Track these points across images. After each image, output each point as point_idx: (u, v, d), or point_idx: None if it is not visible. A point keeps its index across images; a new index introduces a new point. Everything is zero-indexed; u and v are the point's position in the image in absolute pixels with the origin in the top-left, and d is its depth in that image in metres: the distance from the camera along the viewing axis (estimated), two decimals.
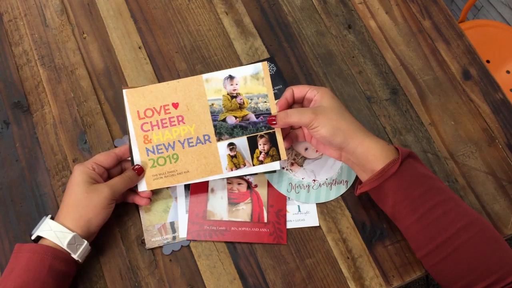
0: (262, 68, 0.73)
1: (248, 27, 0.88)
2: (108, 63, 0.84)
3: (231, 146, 0.72)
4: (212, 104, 0.72)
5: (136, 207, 0.74)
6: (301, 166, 0.78)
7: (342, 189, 0.77)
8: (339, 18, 0.90)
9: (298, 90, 0.70)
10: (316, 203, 0.76)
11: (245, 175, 0.74)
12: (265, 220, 0.75)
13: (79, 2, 0.89)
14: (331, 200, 0.76)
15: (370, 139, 0.66)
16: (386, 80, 0.85)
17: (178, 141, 0.72)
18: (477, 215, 0.63)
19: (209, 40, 0.87)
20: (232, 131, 0.72)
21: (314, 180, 0.77)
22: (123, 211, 0.74)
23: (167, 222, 0.74)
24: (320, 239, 0.74)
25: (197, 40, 0.87)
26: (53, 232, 0.64)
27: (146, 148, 0.72)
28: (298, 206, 0.76)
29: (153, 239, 0.73)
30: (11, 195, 0.75)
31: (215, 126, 0.72)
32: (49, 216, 0.67)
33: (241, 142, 0.73)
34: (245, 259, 0.73)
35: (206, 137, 0.72)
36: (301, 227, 0.75)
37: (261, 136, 0.72)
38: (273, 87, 0.82)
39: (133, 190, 0.72)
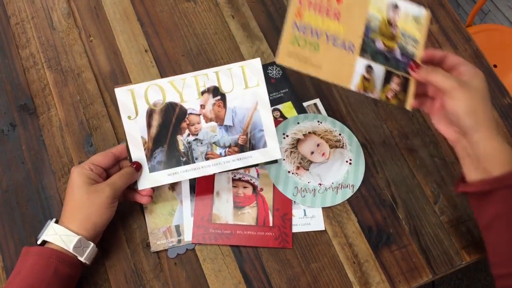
0: (425, 16, 0.71)
1: (254, 31, 0.88)
2: (115, 66, 0.85)
3: (369, 68, 0.68)
4: (370, 20, 0.68)
5: (141, 210, 0.74)
6: (307, 170, 0.78)
7: (348, 193, 0.76)
8: None
9: (452, 59, 0.65)
10: (322, 207, 0.75)
11: (247, 167, 0.72)
12: (271, 224, 0.74)
13: (86, 5, 0.89)
14: (337, 204, 0.76)
15: (501, 139, 0.61)
16: None
17: (326, 33, 0.67)
18: None
19: (215, 43, 0.87)
20: (376, 55, 0.69)
21: (320, 184, 0.77)
22: (128, 214, 0.74)
23: (173, 225, 0.73)
24: (326, 243, 0.74)
25: (203, 43, 0.87)
26: (58, 236, 0.63)
27: (294, 21, 0.66)
28: (304, 210, 0.75)
29: (158, 242, 0.72)
30: (16, 197, 0.75)
31: (363, 40, 0.68)
32: (54, 220, 0.66)
33: (379, 70, 0.68)
34: (251, 263, 0.72)
35: (351, 45, 0.68)
36: (307, 231, 0.74)
37: (398, 76, 0.69)
38: (278, 91, 0.82)
39: (134, 188, 0.72)
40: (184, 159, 0.70)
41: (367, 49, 0.68)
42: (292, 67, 0.65)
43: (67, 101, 0.82)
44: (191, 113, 0.71)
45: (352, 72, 0.68)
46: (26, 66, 0.84)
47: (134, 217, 0.74)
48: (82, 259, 0.64)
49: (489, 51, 0.91)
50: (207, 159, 0.71)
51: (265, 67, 0.85)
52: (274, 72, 0.85)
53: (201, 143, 0.70)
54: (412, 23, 0.70)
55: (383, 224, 0.75)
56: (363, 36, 0.68)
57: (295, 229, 0.74)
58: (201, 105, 0.70)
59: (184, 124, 0.70)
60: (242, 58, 0.86)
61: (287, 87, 0.84)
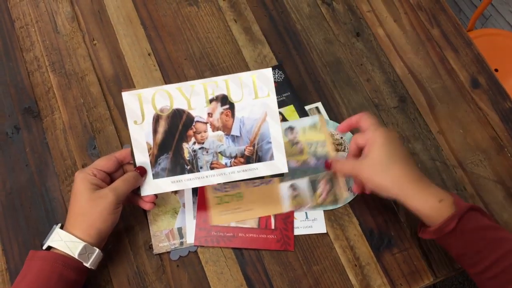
0: (319, 120, 0.79)
1: (256, 35, 0.89)
2: (118, 70, 0.85)
3: (293, 187, 0.76)
4: None
5: (144, 212, 0.75)
6: None
7: (350, 196, 0.77)
8: (347, 26, 0.90)
9: (363, 125, 0.68)
10: (324, 210, 0.76)
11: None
12: (273, 227, 0.75)
13: (90, 9, 0.90)
14: (339, 207, 0.76)
15: (419, 196, 0.63)
16: (394, 88, 0.85)
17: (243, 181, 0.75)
18: None
19: (218, 47, 0.88)
20: (294, 173, 0.76)
21: None
22: (131, 216, 0.75)
23: (175, 228, 0.74)
24: (327, 246, 0.74)
25: (206, 47, 0.88)
26: (64, 242, 0.63)
27: (213, 186, 0.75)
28: (306, 213, 0.76)
29: (160, 245, 0.73)
30: (20, 199, 0.76)
31: None
32: (59, 225, 0.66)
33: (303, 183, 0.76)
34: (252, 266, 0.73)
35: (269, 178, 0.76)
36: (308, 234, 0.75)
37: (322, 178, 0.76)
38: (280, 94, 0.83)
39: (138, 194, 0.71)
40: (189, 167, 0.69)
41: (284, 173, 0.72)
42: (228, 222, 0.74)
43: (71, 104, 0.82)
44: (198, 121, 0.69)
45: (280, 198, 0.75)
46: (30, 69, 0.85)
47: (137, 219, 0.75)
48: (87, 265, 0.64)
49: (490, 55, 0.92)
50: (212, 168, 0.69)
51: None
52: (276, 75, 0.85)
53: (207, 152, 0.69)
54: (311, 131, 0.78)
55: (384, 227, 0.75)
56: None
57: (297, 232, 0.75)
58: (208, 113, 0.69)
59: (190, 132, 0.69)
60: (244, 62, 0.86)
61: (289, 90, 0.84)
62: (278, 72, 0.85)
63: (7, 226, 0.74)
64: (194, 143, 0.69)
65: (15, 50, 0.86)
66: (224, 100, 0.69)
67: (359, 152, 0.69)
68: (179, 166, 0.69)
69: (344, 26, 0.90)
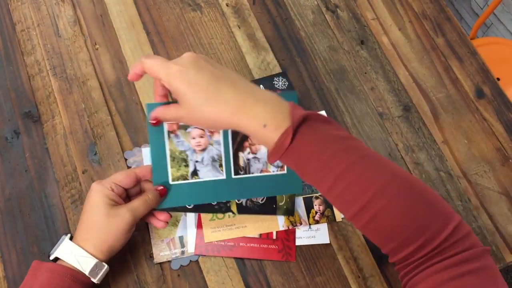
0: None
1: (260, 41, 0.88)
2: (120, 75, 0.84)
3: None
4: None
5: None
6: None
7: None
8: (351, 34, 0.89)
9: (150, 71, 0.56)
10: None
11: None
12: (274, 237, 0.74)
13: (92, 13, 0.89)
14: (342, 218, 0.75)
15: (247, 121, 0.53)
16: (399, 97, 0.84)
17: None
18: (395, 170, 0.53)
19: (221, 53, 0.87)
20: None
21: None
22: None
23: (176, 236, 0.73)
24: (330, 257, 0.73)
25: (209, 53, 0.87)
26: (74, 256, 0.62)
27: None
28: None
29: (161, 254, 0.72)
30: (19, 205, 0.75)
31: None
32: (68, 236, 0.65)
33: (297, 202, 0.76)
34: (254, 276, 0.72)
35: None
36: (311, 244, 0.74)
37: (317, 197, 0.76)
38: None
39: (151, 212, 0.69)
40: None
41: None
42: (221, 239, 0.73)
43: (72, 109, 0.81)
44: None
45: (275, 216, 0.75)
46: (31, 73, 0.84)
47: (138, 227, 0.73)
48: (95, 281, 0.63)
49: (492, 64, 0.91)
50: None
51: (270, 78, 0.85)
52: (280, 83, 0.84)
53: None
54: None
55: None
56: None
57: (299, 242, 0.74)
58: None
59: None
60: (248, 69, 0.85)
61: (293, 98, 0.83)
62: (282, 79, 0.85)
63: (5, 233, 0.73)
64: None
65: (16, 54, 0.85)
66: None
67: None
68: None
69: (349, 33, 0.89)
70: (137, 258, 0.72)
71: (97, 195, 0.64)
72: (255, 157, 0.70)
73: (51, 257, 0.63)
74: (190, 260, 0.72)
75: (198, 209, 0.73)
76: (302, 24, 0.90)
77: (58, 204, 0.75)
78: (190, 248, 0.72)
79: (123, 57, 0.86)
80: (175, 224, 0.73)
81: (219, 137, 0.69)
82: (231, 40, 0.88)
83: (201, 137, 0.68)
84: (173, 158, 0.67)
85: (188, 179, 0.68)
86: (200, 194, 0.69)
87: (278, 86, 0.84)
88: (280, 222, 0.74)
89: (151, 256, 0.72)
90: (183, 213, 0.74)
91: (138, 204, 0.65)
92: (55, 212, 0.74)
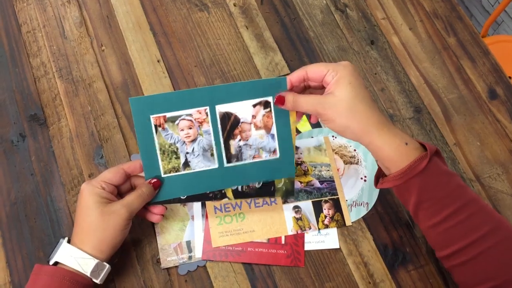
0: (324, 141, 0.78)
1: (268, 42, 0.87)
2: (126, 77, 0.83)
3: (297, 209, 0.74)
4: None
5: (152, 225, 0.73)
6: None
7: (363, 211, 0.74)
8: (361, 34, 0.88)
9: (314, 71, 0.62)
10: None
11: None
12: (283, 242, 0.73)
13: (98, 14, 0.88)
14: (352, 222, 0.74)
15: (383, 138, 0.59)
16: (410, 98, 0.83)
17: (245, 201, 0.74)
18: (503, 219, 0.59)
19: (229, 54, 0.86)
20: (297, 195, 0.75)
21: None
22: (138, 229, 0.73)
23: (183, 241, 0.72)
24: (340, 262, 0.72)
25: (216, 54, 0.85)
26: (74, 258, 0.61)
27: (214, 206, 0.74)
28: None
29: (168, 259, 0.71)
30: (25, 210, 0.74)
31: None
32: (66, 239, 0.64)
33: (306, 205, 0.75)
34: (263, 282, 0.70)
35: (272, 199, 0.75)
36: (320, 249, 0.72)
37: (326, 201, 0.75)
38: None
39: (145, 207, 0.69)
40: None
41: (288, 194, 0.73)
42: (229, 244, 0.72)
43: (78, 112, 0.80)
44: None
45: (284, 220, 0.74)
46: (37, 75, 0.83)
47: (144, 232, 0.72)
48: (97, 281, 0.62)
49: (503, 62, 0.89)
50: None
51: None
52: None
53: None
54: (316, 153, 0.77)
55: (399, 243, 0.73)
56: None
57: (308, 247, 0.72)
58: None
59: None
60: (255, 70, 0.84)
61: None
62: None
63: (11, 238, 0.72)
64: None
65: (21, 55, 0.85)
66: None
67: (301, 82, 0.65)
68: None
69: (358, 33, 0.88)
70: (144, 263, 0.71)
71: (89, 195, 0.63)
72: (246, 144, 0.69)
73: (51, 262, 0.62)
74: (198, 266, 0.71)
75: (193, 199, 0.70)
76: (310, 24, 0.88)
77: (64, 208, 0.74)
78: (198, 253, 0.71)
79: (129, 59, 0.85)
80: (182, 229, 0.72)
81: (208, 126, 0.67)
82: (239, 40, 0.87)
83: (190, 128, 0.67)
84: (163, 152, 0.67)
85: (180, 171, 0.68)
86: (193, 185, 0.69)
87: None
88: (288, 227, 0.73)
89: (158, 261, 0.71)
90: (190, 218, 0.73)
91: (132, 199, 0.64)
92: (61, 216, 0.74)
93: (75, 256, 0.61)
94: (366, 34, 0.88)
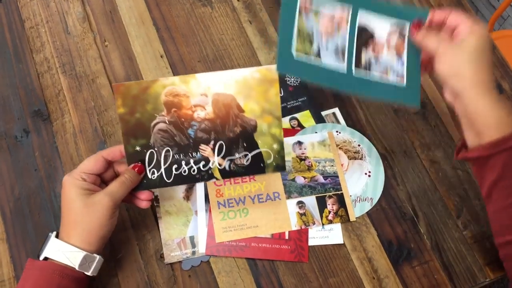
0: (328, 137, 0.78)
1: (272, 37, 0.86)
2: (130, 72, 0.83)
3: (300, 204, 0.74)
4: None
5: (155, 220, 0.73)
6: None
7: (367, 206, 0.74)
8: None
9: (456, 15, 0.62)
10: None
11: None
12: (286, 237, 0.72)
13: (101, 9, 0.88)
14: (356, 217, 0.73)
15: (490, 100, 0.57)
16: None
17: (249, 196, 0.74)
18: None
19: (232, 49, 0.85)
20: (301, 190, 0.75)
21: None
22: (142, 224, 0.73)
23: (187, 237, 0.72)
24: (344, 257, 0.71)
25: (219, 49, 0.85)
26: (62, 252, 0.60)
27: (217, 201, 0.74)
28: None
29: (172, 254, 0.71)
30: (29, 205, 0.74)
31: (284, 184, 0.75)
32: (54, 233, 0.62)
33: (310, 201, 0.74)
34: (267, 277, 0.70)
35: (276, 194, 0.74)
36: (324, 245, 0.72)
37: (330, 197, 0.74)
38: (296, 99, 0.80)
39: (132, 193, 0.67)
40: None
41: (291, 190, 0.74)
42: (232, 239, 0.71)
43: (81, 107, 0.80)
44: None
45: (287, 215, 0.73)
46: (40, 71, 0.83)
47: (148, 227, 0.72)
48: (89, 273, 0.62)
49: (509, 57, 0.88)
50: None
51: (283, 74, 0.83)
52: (292, 80, 0.83)
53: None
54: (320, 148, 0.77)
55: (403, 238, 0.72)
56: (282, 181, 0.75)
57: (312, 242, 0.72)
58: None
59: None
60: (259, 65, 0.84)
61: (306, 95, 0.82)
62: (294, 76, 0.83)
63: (15, 233, 0.72)
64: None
65: (25, 51, 0.85)
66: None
67: (441, 22, 0.65)
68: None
69: None
70: (148, 258, 0.71)
71: (70, 188, 0.62)
72: (376, 59, 0.68)
73: (41, 258, 0.61)
74: (201, 261, 0.71)
75: (179, 181, 0.66)
76: None
77: None
78: (201, 249, 0.71)
79: (132, 54, 0.84)
80: (186, 224, 0.72)
81: (346, 29, 0.67)
82: (242, 35, 0.86)
83: (330, 22, 0.67)
84: (300, 33, 0.66)
85: (310, 56, 0.66)
86: (321, 76, 0.66)
87: (290, 83, 0.82)
88: (292, 222, 0.73)
89: (162, 257, 0.71)
90: (194, 213, 0.73)
91: (115, 186, 0.63)
92: None
93: (62, 250, 0.60)
94: None
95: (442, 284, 0.70)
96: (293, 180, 0.75)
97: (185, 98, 0.64)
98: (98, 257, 0.63)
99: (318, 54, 0.66)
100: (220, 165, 0.66)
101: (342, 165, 0.77)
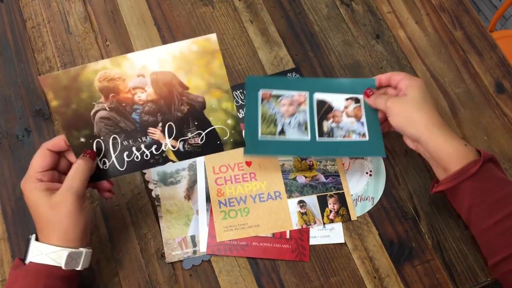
0: None
1: (273, 36, 0.86)
2: None
3: (302, 203, 0.74)
4: (283, 164, 0.76)
5: (156, 219, 0.73)
6: None
7: (368, 206, 0.74)
8: (367, 28, 0.87)
9: (396, 75, 0.72)
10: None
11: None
12: (287, 236, 0.72)
13: (103, 9, 0.88)
14: (357, 217, 0.73)
15: (445, 137, 0.64)
16: None
17: (250, 195, 0.74)
18: None
19: (233, 48, 0.85)
20: (302, 190, 0.75)
21: None
22: (143, 223, 0.73)
23: (188, 236, 0.72)
24: (345, 256, 0.71)
25: (221, 48, 0.85)
26: (45, 255, 0.58)
27: (218, 200, 0.74)
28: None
29: (173, 253, 0.71)
30: None
31: (285, 183, 0.75)
32: (34, 236, 0.60)
33: (311, 200, 0.74)
34: (268, 276, 0.70)
35: (277, 194, 0.75)
36: (325, 244, 0.72)
37: (331, 196, 0.74)
38: None
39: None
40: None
41: (292, 189, 0.75)
42: (233, 239, 0.71)
43: None
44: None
45: (289, 215, 0.74)
46: (42, 70, 0.83)
47: (149, 226, 0.72)
48: (79, 268, 0.60)
49: (511, 57, 0.88)
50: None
51: (284, 73, 0.83)
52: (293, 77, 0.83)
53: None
54: None
55: (405, 237, 0.72)
56: (283, 180, 0.75)
57: (313, 241, 0.72)
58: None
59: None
60: (260, 64, 0.84)
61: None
62: (295, 75, 0.83)
63: (16, 233, 0.72)
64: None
65: (26, 51, 0.85)
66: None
67: (387, 83, 0.74)
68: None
69: (364, 27, 0.87)
70: (149, 257, 0.71)
71: (31, 194, 0.59)
72: (338, 126, 0.74)
73: (26, 262, 0.59)
74: (202, 260, 0.71)
75: (133, 168, 0.63)
76: (315, 18, 0.88)
77: None
78: (202, 248, 0.71)
79: None
80: (187, 223, 0.72)
81: (305, 107, 0.75)
82: (243, 35, 0.86)
83: (290, 105, 0.75)
84: (264, 118, 0.74)
85: (275, 136, 0.73)
86: (285, 149, 0.73)
87: None
88: (293, 221, 0.73)
89: (163, 256, 0.71)
90: (195, 212, 0.73)
91: (72, 179, 0.60)
92: None
93: (46, 253, 0.58)
94: (372, 28, 0.87)
95: (444, 284, 0.70)
96: (294, 179, 0.75)
97: (121, 82, 0.60)
98: (84, 250, 0.61)
99: (283, 132, 0.74)
100: (173, 147, 0.63)
101: (343, 164, 0.76)
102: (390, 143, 0.78)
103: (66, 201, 0.59)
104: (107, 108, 0.61)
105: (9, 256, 0.71)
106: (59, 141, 0.63)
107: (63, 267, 0.59)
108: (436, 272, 0.70)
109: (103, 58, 0.84)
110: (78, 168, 0.60)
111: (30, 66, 0.84)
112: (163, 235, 0.72)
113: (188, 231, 0.72)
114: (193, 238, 0.71)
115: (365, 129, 0.74)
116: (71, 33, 0.86)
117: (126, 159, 0.63)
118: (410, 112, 0.66)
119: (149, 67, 0.59)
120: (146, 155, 0.63)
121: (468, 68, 0.84)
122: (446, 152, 0.63)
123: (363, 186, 0.75)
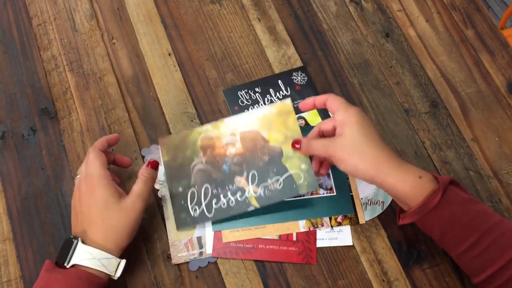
0: None
1: (281, 34, 0.85)
2: (137, 70, 0.82)
3: None
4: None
5: (163, 220, 0.72)
6: None
7: (378, 210, 0.73)
8: (376, 26, 0.86)
9: (330, 105, 0.65)
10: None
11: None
12: (294, 238, 0.71)
13: (109, 7, 0.87)
14: (366, 220, 0.72)
15: (396, 176, 0.59)
16: (426, 92, 0.81)
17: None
18: None
19: (241, 47, 0.84)
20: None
21: None
22: (149, 224, 0.72)
23: (194, 237, 0.71)
24: (353, 259, 0.70)
25: (228, 47, 0.84)
26: (97, 260, 0.59)
27: None
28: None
29: (179, 255, 0.70)
30: (36, 204, 0.73)
31: None
32: (79, 239, 0.60)
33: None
34: (275, 279, 0.69)
35: None
36: (333, 246, 0.71)
37: None
38: (304, 97, 0.80)
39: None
40: None
41: None
42: (238, 239, 0.71)
43: (89, 106, 0.80)
44: None
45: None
46: (48, 68, 0.83)
47: (155, 227, 0.72)
48: (115, 277, 0.62)
49: None
50: None
51: (290, 72, 0.82)
52: (299, 78, 0.82)
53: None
54: None
55: (414, 240, 0.71)
56: None
57: (321, 244, 0.71)
58: None
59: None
60: (268, 63, 0.83)
61: (313, 94, 0.80)
62: (301, 74, 0.82)
63: (21, 232, 0.72)
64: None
65: (32, 49, 0.84)
66: None
67: (320, 136, 0.68)
68: None
69: (373, 26, 0.86)
70: (154, 259, 0.70)
71: (105, 191, 0.61)
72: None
73: (68, 266, 0.59)
74: (209, 262, 0.70)
75: (219, 214, 0.69)
76: (324, 16, 0.86)
77: None
78: (209, 249, 0.70)
79: (140, 52, 0.84)
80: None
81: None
82: (251, 33, 0.85)
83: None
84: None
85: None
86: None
87: (297, 81, 0.81)
88: (300, 223, 0.72)
89: (169, 257, 0.70)
90: None
91: (143, 189, 0.64)
92: (71, 210, 0.73)
93: (98, 258, 0.59)
94: (382, 26, 0.86)
95: (453, 287, 0.69)
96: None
97: (217, 140, 0.71)
98: (124, 261, 0.63)
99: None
100: (255, 192, 0.69)
101: None
102: (399, 143, 0.77)
103: (137, 207, 0.62)
104: (204, 162, 0.71)
105: (14, 256, 0.71)
106: (103, 142, 0.68)
107: (113, 274, 0.60)
108: (445, 276, 0.69)
109: (109, 56, 0.83)
110: (145, 178, 0.65)
111: (36, 64, 0.83)
112: (169, 236, 0.71)
113: (194, 233, 0.71)
114: (199, 239, 0.71)
115: (331, 182, 0.73)
116: (77, 30, 0.85)
117: (214, 206, 0.70)
118: (355, 157, 0.59)
119: (239, 128, 0.71)
120: (232, 202, 0.69)
121: (480, 68, 0.82)
122: (402, 191, 0.59)
123: (373, 190, 0.74)
